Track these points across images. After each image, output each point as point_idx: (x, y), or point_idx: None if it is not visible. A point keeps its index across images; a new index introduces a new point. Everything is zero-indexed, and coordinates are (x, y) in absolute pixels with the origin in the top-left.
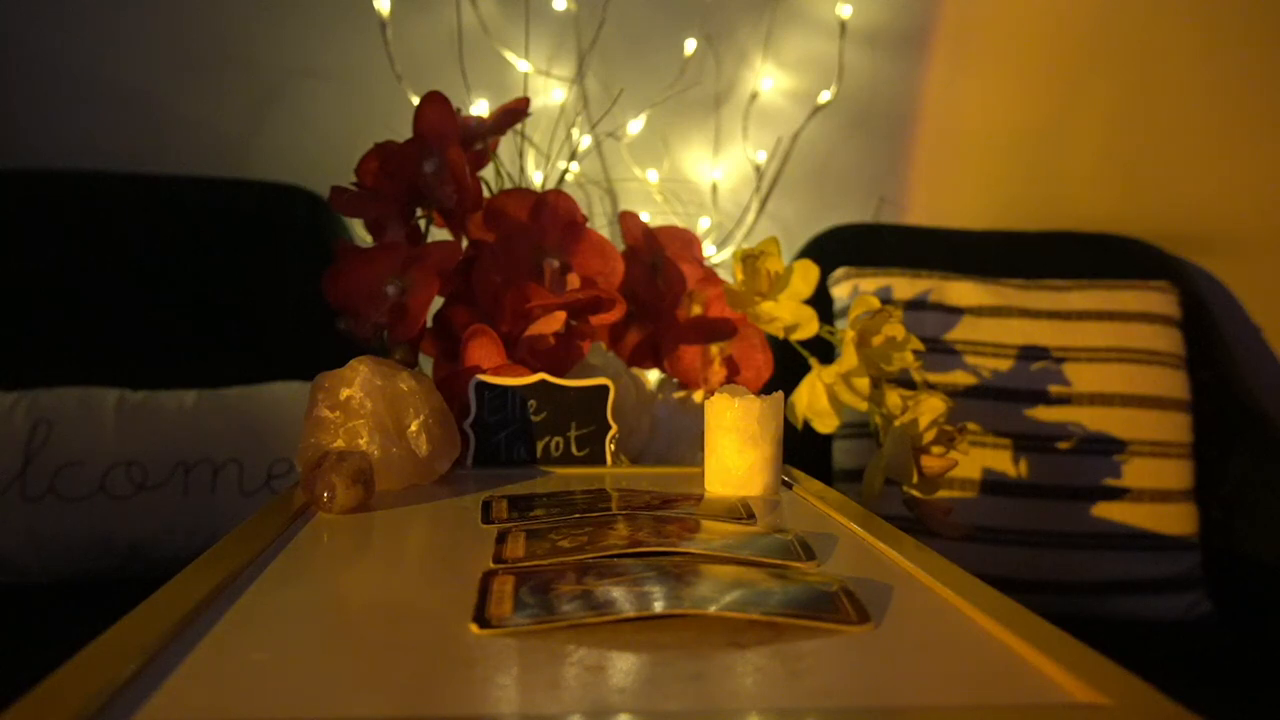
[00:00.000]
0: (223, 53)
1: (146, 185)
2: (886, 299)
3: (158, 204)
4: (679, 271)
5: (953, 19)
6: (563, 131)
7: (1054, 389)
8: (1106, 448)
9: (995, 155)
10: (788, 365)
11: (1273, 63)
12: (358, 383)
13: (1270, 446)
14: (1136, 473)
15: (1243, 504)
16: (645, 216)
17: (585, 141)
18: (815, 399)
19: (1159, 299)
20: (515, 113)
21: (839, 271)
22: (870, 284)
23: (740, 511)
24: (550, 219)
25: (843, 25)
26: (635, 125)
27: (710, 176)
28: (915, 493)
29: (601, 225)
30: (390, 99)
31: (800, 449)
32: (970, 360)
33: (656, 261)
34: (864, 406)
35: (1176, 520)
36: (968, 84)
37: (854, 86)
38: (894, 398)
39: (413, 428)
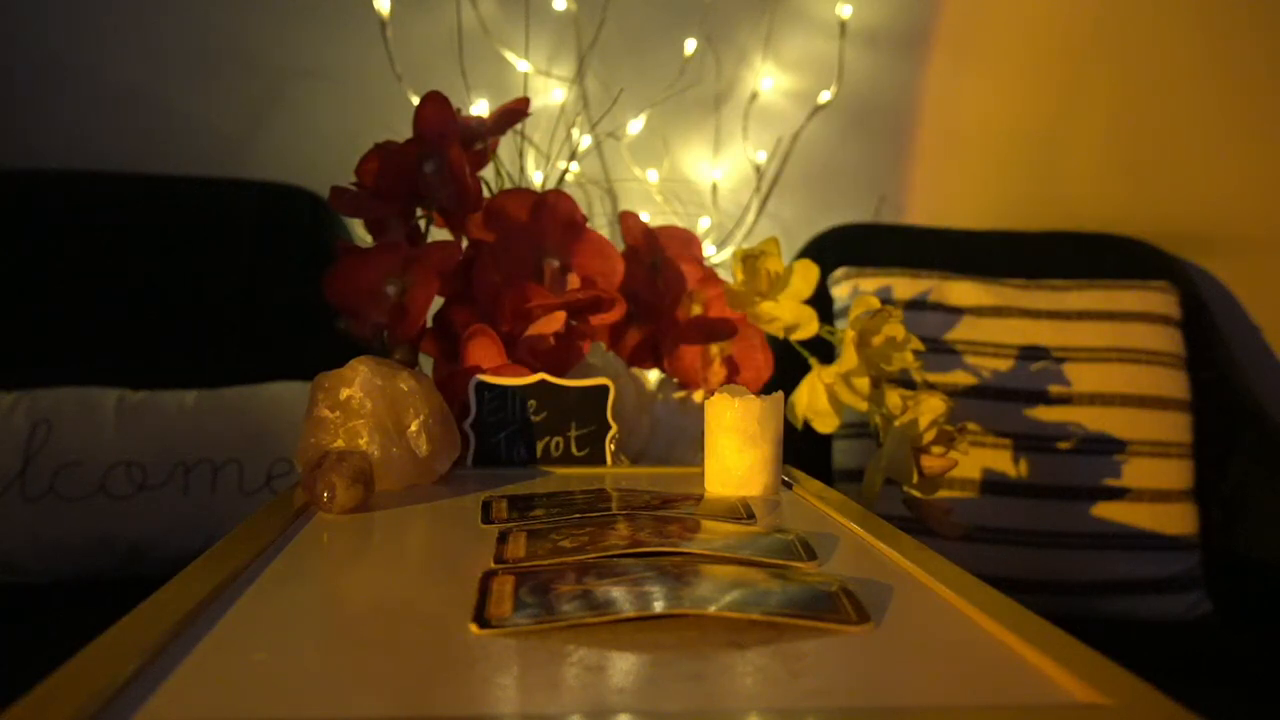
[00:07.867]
0: (222, 53)
1: (146, 185)
2: (886, 299)
3: (158, 204)
4: (679, 271)
5: (953, 19)
6: (563, 131)
7: (1054, 389)
8: (1106, 448)
9: (995, 155)
10: (788, 365)
11: (1273, 63)
12: (358, 383)
13: (1270, 446)
14: (1136, 473)
15: (1243, 504)
16: (645, 216)
17: (585, 141)
18: (815, 399)
19: (1159, 299)
20: (515, 113)
21: (839, 271)
22: (870, 284)
23: (740, 511)
24: (550, 219)
25: (843, 25)
26: (635, 125)
27: (710, 176)
28: (915, 493)
29: (601, 225)
30: (390, 99)
31: (800, 449)
32: (970, 360)
33: (656, 261)
34: (864, 406)
35: (1176, 520)
36: (968, 84)
37: (854, 86)
38: (894, 398)
39: (413, 428)
